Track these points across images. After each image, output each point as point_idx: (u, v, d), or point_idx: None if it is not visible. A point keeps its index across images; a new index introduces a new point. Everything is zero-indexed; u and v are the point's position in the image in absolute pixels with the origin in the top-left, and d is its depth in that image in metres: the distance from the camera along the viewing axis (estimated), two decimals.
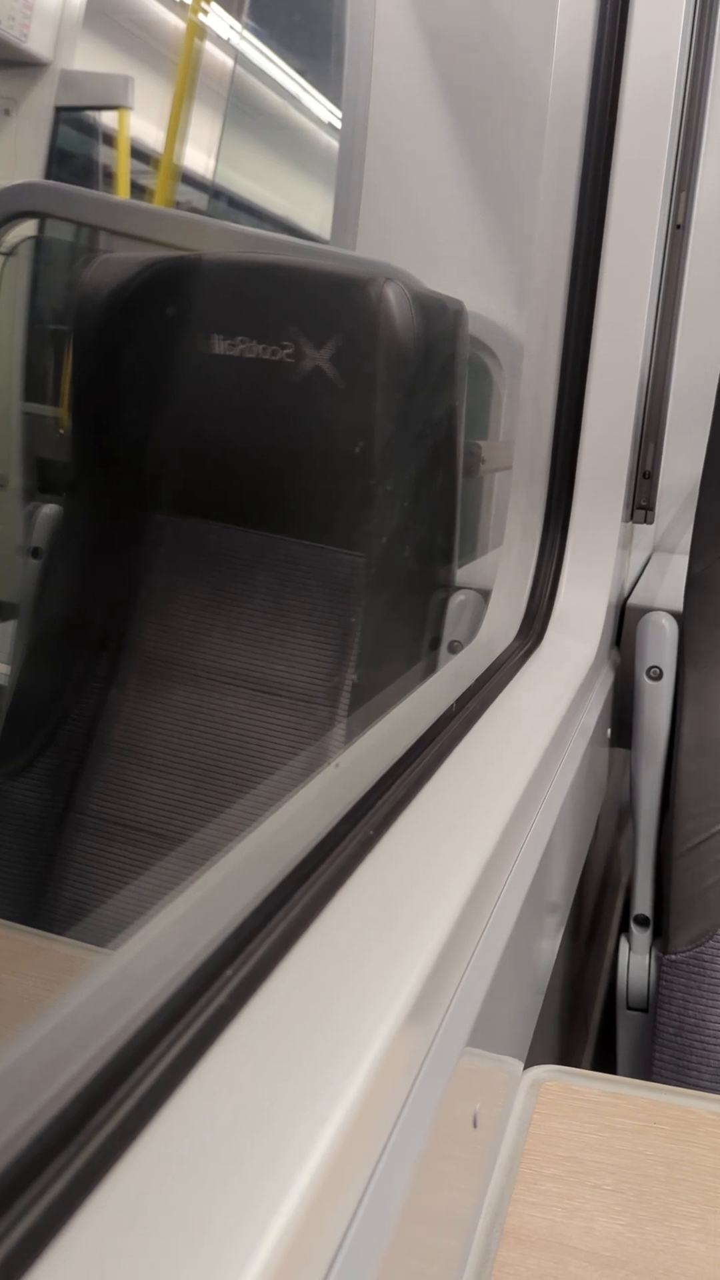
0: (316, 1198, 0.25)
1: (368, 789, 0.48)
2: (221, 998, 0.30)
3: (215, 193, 2.48)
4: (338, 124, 1.48)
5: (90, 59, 2.28)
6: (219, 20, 2.36)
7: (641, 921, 0.95)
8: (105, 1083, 0.27)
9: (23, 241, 1.41)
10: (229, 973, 0.31)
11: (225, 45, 2.42)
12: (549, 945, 0.65)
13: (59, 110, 2.21)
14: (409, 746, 0.55)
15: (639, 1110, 0.53)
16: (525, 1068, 0.55)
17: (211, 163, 2.42)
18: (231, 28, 2.41)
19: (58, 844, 0.96)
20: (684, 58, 0.90)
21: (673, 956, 0.89)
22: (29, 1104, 0.25)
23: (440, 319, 0.99)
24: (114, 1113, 0.26)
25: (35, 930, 0.52)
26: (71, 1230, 0.22)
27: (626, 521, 0.96)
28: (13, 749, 1.02)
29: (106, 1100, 0.26)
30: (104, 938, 0.36)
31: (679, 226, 0.97)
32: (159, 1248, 0.22)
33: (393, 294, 0.92)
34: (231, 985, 0.31)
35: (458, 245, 1.37)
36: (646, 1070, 0.90)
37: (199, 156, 2.35)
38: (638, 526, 1.03)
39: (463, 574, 1.07)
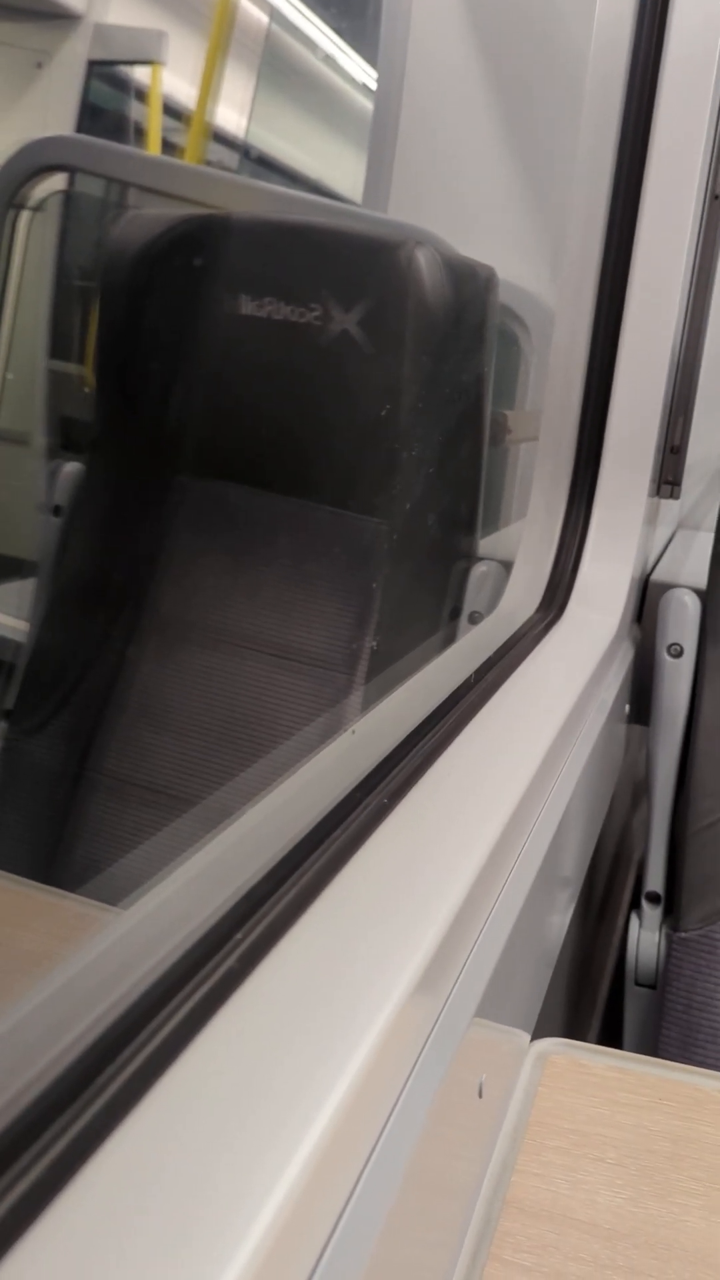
0: (321, 1161, 0.25)
1: (383, 757, 0.48)
2: (231, 960, 0.30)
3: (246, 152, 2.45)
4: (373, 85, 1.46)
5: (124, 12, 2.25)
6: None
7: (653, 898, 0.95)
8: (113, 1041, 0.27)
9: (51, 196, 1.40)
10: (239, 935, 0.31)
11: (261, 1, 2.39)
12: (559, 919, 0.65)
13: (91, 64, 2.18)
14: (426, 715, 0.55)
15: (645, 1086, 0.53)
16: (532, 1040, 0.55)
17: (244, 122, 2.39)
18: None
19: (71, 802, 0.96)
20: None
21: (683, 934, 0.89)
22: (36, 1060, 0.25)
23: (471, 285, 0.98)
24: (121, 1071, 0.26)
25: (46, 886, 0.52)
26: (75, 1187, 0.22)
27: (652, 496, 0.95)
28: (30, 706, 1.02)
29: (114, 1059, 0.26)
30: (114, 896, 0.36)
31: (717, 197, 0.96)
32: (163, 1206, 0.22)
33: (423, 258, 0.91)
34: (242, 948, 0.31)
35: (491, 211, 1.35)
36: (653, 1046, 0.91)
37: (231, 115, 2.33)
38: (663, 501, 1.02)
39: (485, 544, 1.06)
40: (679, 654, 0.92)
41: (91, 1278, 0.20)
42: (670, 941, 0.90)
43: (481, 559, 1.02)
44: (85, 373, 1.46)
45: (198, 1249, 0.21)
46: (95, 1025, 0.27)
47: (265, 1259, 0.22)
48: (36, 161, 1.28)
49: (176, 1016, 0.28)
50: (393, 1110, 0.31)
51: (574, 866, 0.70)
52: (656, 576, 0.99)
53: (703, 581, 0.93)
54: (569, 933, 0.72)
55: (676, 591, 0.93)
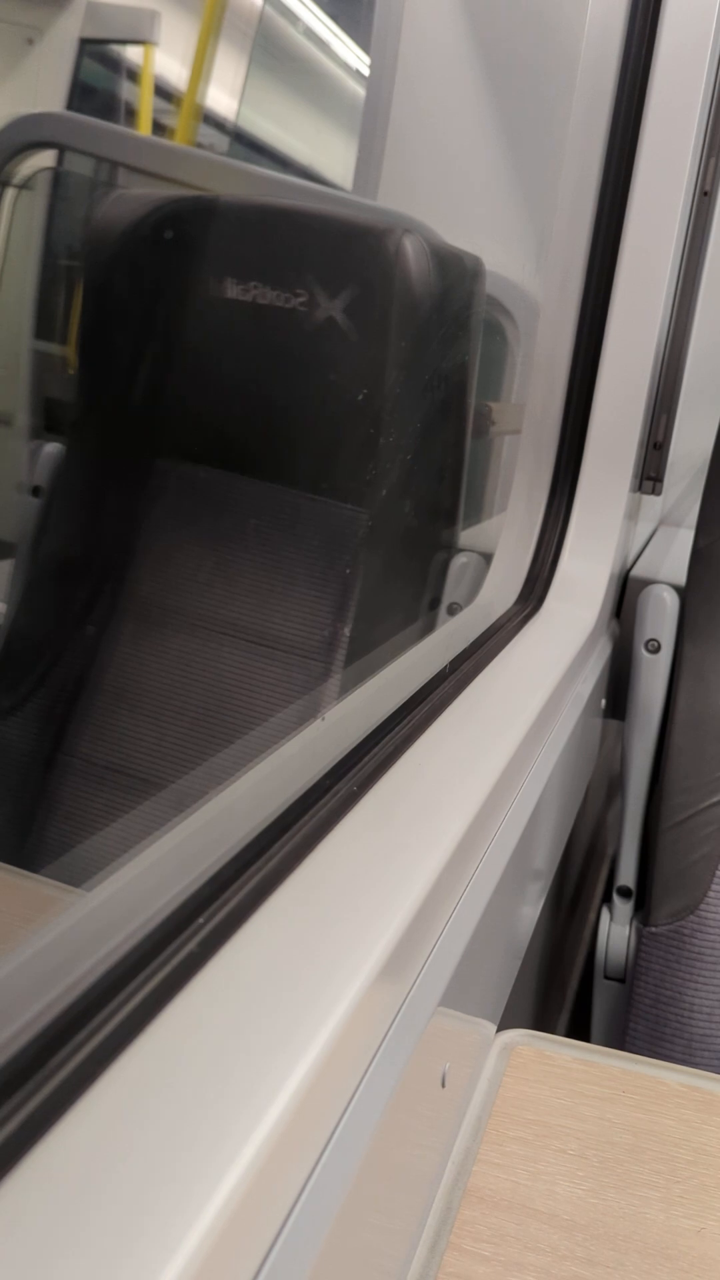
0: (278, 1146, 0.25)
1: (355, 745, 0.48)
2: (193, 945, 0.30)
3: (237, 135, 2.43)
4: (365, 71, 1.45)
5: None
6: None
7: (624, 893, 0.96)
8: (69, 1023, 0.26)
9: (39, 174, 1.39)
10: (201, 920, 0.31)
11: None
12: (530, 911, 0.65)
13: (83, 42, 2.16)
14: (400, 705, 0.55)
15: (609, 1078, 0.53)
16: (498, 1031, 0.55)
17: (235, 104, 2.37)
18: None
19: (45, 785, 0.96)
20: None
21: (653, 929, 0.89)
22: None
23: (458, 274, 0.97)
24: (76, 1053, 0.25)
25: (7, 865, 0.52)
26: (26, 1169, 0.22)
27: (634, 492, 0.95)
28: (4, 688, 1.02)
29: (70, 1040, 0.26)
30: (84, 878, 0.36)
31: (706, 193, 0.96)
32: (116, 1189, 0.22)
33: (411, 246, 0.91)
34: (204, 933, 0.31)
35: (480, 200, 1.34)
36: (620, 1040, 0.91)
37: (222, 97, 2.31)
38: (645, 498, 1.02)
39: (466, 536, 1.06)
40: (656, 650, 0.93)
41: (44, 1260, 0.20)
42: (640, 936, 0.90)
43: (462, 550, 1.02)
44: (69, 353, 1.45)
45: (150, 1231, 0.21)
46: (50, 1007, 0.27)
47: (217, 1241, 0.22)
48: (24, 138, 1.27)
49: (135, 999, 0.27)
50: (353, 1097, 0.31)
51: (546, 859, 0.70)
52: (636, 572, 1.00)
53: (682, 578, 0.94)
54: (539, 925, 0.72)
55: (655, 588, 0.93)
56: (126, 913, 0.31)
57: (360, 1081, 0.31)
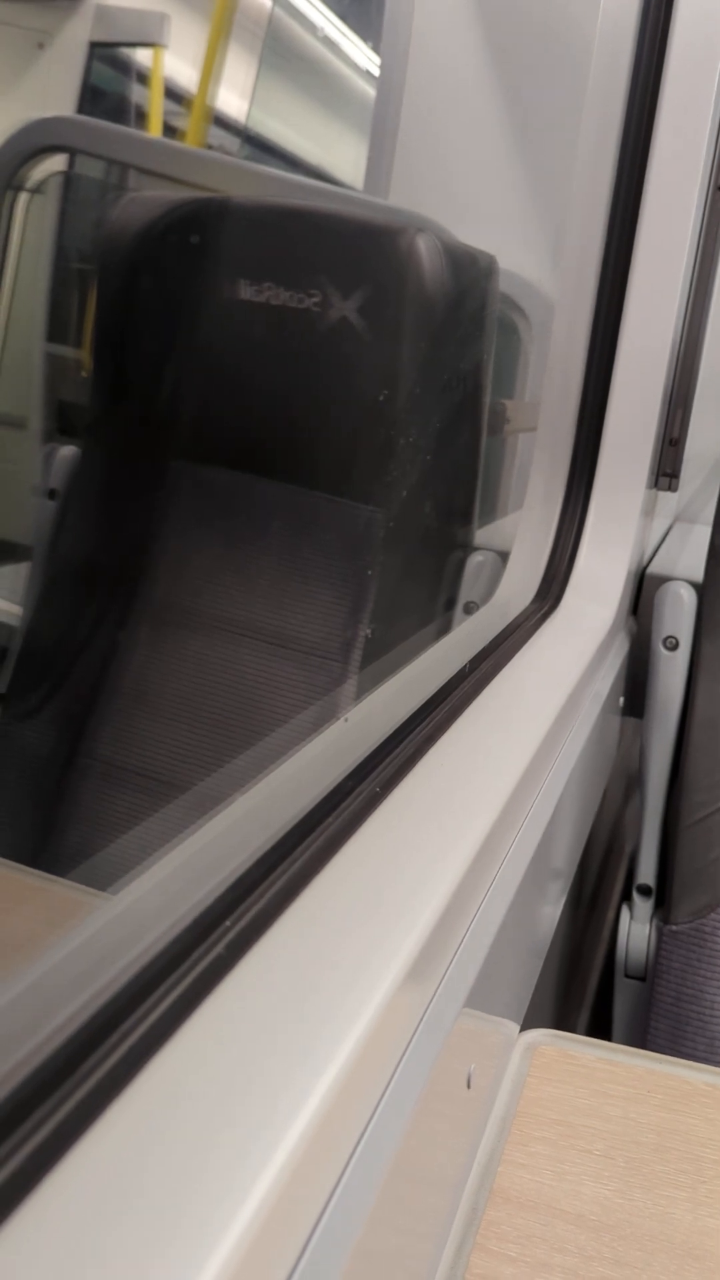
0: (308, 1149, 0.25)
1: (377, 745, 0.48)
2: (220, 948, 0.30)
3: (247, 137, 2.44)
4: (375, 71, 1.45)
5: None
6: None
7: (644, 891, 0.95)
8: (98, 1028, 0.26)
9: (50, 178, 1.39)
10: (228, 923, 0.31)
11: None
12: (550, 910, 0.65)
13: (93, 46, 2.17)
14: (420, 704, 0.55)
15: (633, 1078, 0.53)
16: (521, 1031, 0.55)
17: (245, 106, 2.38)
18: None
19: (64, 787, 0.96)
20: None
21: (674, 927, 0.89)
22: (18, 1047, 0.25)
23: (471, 273, 0.97)
24: (106, 1058, 0.25)
25: (34, 870, 0.52)
26: (59, 1175, 0.22)
27: (650, 488, 0.95)
28: (22, 691, 1.02)
29: (99, 1046, 0.26)
30: (106, 882, 0.36)
31: (719, 188, 0.95)
32: (148, 1193, 0.22)
33: (424, 245, 0.90)
34: (230, 936, 0.31)
35: (492, 199, 1.34)
36: (641, 1038, 0.91)
37: (233, 99, 2.31)
38: (661, 494, 1.01)
39: (482, 535, 1.06)
40: (674, 647, 0.92)
41: (77, 1266, 0.20)
42: (660, 934, 0.90)
43: (478, 549, 1.02)
44: (83, 356, 1.45)
45: (183, 1235, 0.21)
46: (80, 1012, 0.27)
47: (250, 1246, 0.22)
48: (36, 142, 1.27)
49: (164, 1004, 0.27)
50: (381, 1099, 0.31)
51: (566, 858, 0.70)
52: (653, 569, 0.99)
53: (699, 575, 0.93)
54: (560, 924, 0.72)
55: (673, 584, 0.93)
56: (153, 916, 0.31)
57: (388, 1083, 0.31)
